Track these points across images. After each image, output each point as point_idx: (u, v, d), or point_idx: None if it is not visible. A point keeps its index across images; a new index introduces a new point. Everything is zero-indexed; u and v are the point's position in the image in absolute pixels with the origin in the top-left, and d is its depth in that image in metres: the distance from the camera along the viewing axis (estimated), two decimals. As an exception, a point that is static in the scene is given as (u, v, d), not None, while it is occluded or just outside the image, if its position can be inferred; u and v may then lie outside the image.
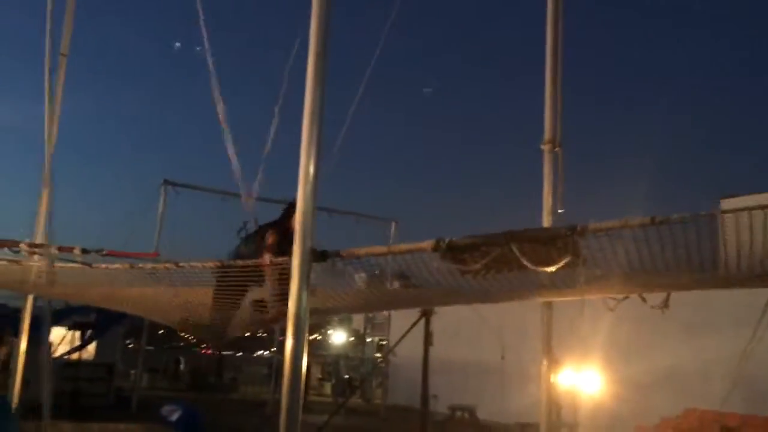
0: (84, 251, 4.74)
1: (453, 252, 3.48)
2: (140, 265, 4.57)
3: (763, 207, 3.21)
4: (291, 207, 4.47)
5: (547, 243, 3.37)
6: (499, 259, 3.49)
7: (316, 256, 3.47)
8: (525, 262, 3.26)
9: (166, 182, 15.18)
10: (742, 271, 3.87)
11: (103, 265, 4.67)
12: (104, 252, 4.72)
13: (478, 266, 3.57)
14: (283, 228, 4.87)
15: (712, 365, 11.31)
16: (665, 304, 4.49)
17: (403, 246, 3.70)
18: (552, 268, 3.33)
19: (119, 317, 15.84)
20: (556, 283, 4.12)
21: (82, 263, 4.74)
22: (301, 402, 3.19)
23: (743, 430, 12.05)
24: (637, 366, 12.80)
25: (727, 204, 14.44)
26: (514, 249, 3.27)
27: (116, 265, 4.64)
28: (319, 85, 3.49)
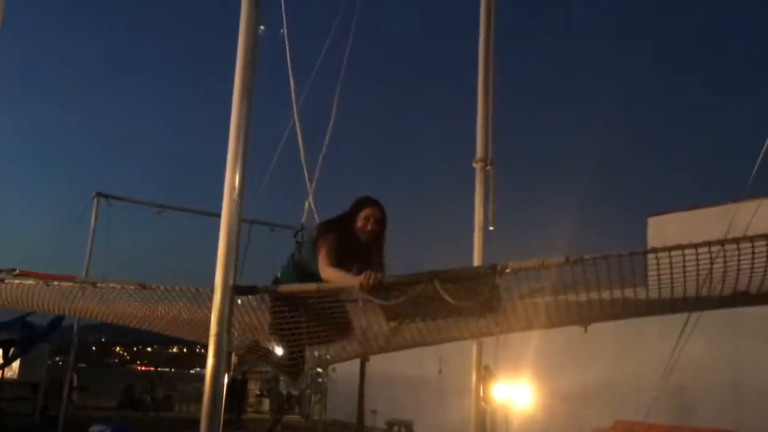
0: (-4, 270, 4.55)
1: (378, 290, 3.51)
2: (56, 284, 4.40)
3: (682, 247, 3.30)
4: (359, 202, 4.03)
5: (469, 280, 3.47)
6: (420, 298, 3.54)
7: (242, 289, 3.42)
8: (446, 297, 3.34)
9: (99, 195, 14.71)
10: (664, 298, 3.99)
11: (17, 282, 4.48)
12: (16, 272, 4.54)
13: (400, 301, 3.60)
14: (345, 229, 3.99)
15: (643, 376, 11.65)
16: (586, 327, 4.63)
17: (332, 285, 3.71)
18: (469, 303, 3.41)
19: (45, 333, 15.25)
20: (481, 327, 4.21)
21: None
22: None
23: (670, 440, 12.46)
24: (568, 378, 13.07)
25: (653, 222, 14.98)
26: (437, 285, 3.35)
27: (30, 282, 4.46)
28: (246, 97, 3.45)
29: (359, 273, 3.65)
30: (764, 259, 3.44)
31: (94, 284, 4.17)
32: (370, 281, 3.39)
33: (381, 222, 4.03)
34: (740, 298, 3.93)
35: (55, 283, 4.40)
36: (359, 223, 3.97)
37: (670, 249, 3.05)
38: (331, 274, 3.71)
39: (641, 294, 3.84)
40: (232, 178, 3.33)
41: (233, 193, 3.31)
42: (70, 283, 4.48)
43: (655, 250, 3.07)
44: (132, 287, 3.98)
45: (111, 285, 4.09)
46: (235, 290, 3.26)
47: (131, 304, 4.39)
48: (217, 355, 3.06)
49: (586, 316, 4.04)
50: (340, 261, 3.83)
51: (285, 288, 3.72)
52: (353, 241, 3.97)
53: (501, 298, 3.47)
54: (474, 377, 5.83)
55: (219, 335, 3.10)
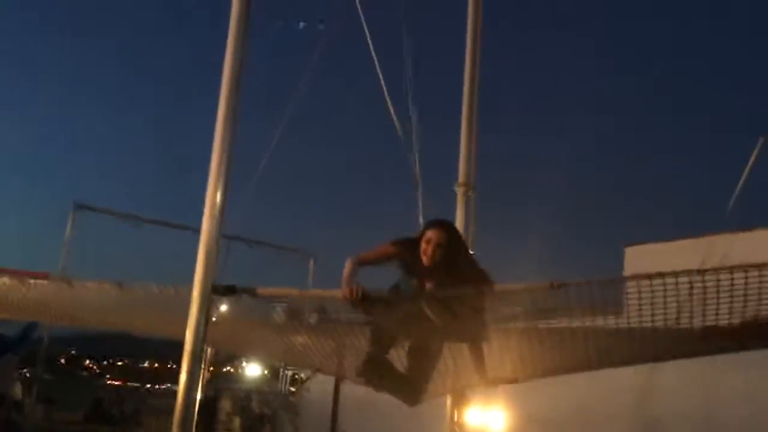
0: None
1: (364, 304, 3.50)
2: (31, 282, 4.33)
3: (663, 275, 3.35)
4: (426, 224, 3.83)
5: (454, 300, 3.48)
6: (408, 319, 3.54)
7: (223, 289, 3.40)
8: (431, 316, 3.35)
9: (77, 205, 14.55)
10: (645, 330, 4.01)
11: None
12: (-12, 268, 4.45)
13: (388, 321, 3.60)
14: (414, 250, 3.73)
15: (616, 404, 11.69)
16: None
17: (316, 291, 3.72)
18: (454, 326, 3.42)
19: (15, 345, 14.94)
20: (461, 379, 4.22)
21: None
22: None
23: (641, 470, 12.46)
24: (542, 404, 13.04)
25: (630, 252, 15.11)
26: (423, 306, 3.36)
27: (4, 279, 4.38)
28: (230, 116, 3.46)
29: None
30: (741, 292, 3.49)
31: (69, 282, 4.11)
32: (353, 294, 3.35)
33: (444, 246, 3.66)
34: (714, 335, 3.97)
35: (30, 281, 4.32)
36: (422, 247, 3.68)
37: (651, 276, 3.11)
38: (346, 265, 3.57)
39: (620, 322, 3.88)
40: (213, 195, 3.32)
41: (214, 209, 3.30)
42: (45, 281, 4.41)
43: (636, 277, 3.12)
44: (108, 286, 3.93)
45: (87, 284, 4.03)
46: (213, 290, 3.25)
47: (106, 306, 4.33)
48: (190, 371, 3.03)
49: (565, 361, 4.10)
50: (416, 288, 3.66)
51: (264, 291, 3.66)
52: (419, 264, 3.69)
53: (486, 326, 3.49)
54: (449, 402, 5.81)
55: (193, 350, 3.07)
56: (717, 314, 3.66)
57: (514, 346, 3.83)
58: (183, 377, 3.02)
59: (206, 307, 3.18)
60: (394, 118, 5.64)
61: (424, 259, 3.64)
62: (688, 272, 3.30)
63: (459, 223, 5.70)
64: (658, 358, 4.79)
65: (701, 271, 3.35)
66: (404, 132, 5.61)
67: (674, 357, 4.90)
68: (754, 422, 11.76)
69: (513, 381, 4.51)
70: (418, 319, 3.58)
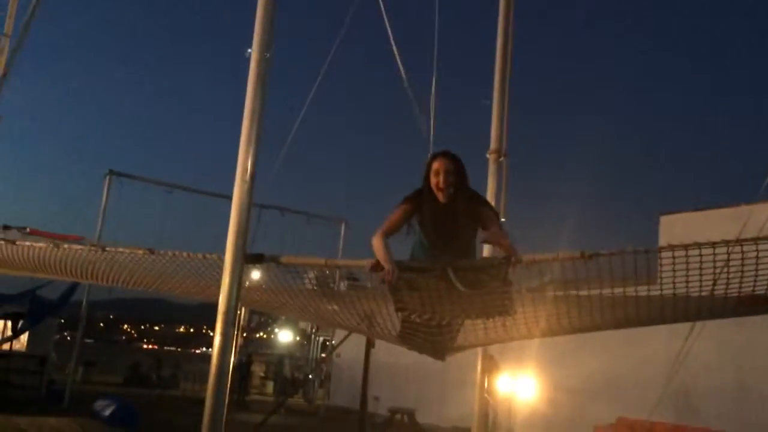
0: (5, 227, 4.60)
1: (399, 282, 3.43)
2: (65, 246, 4.43)
3: (698, 245, 3.25)
4: (428, 161, 3.49)
5: (480, 270, 3.37)
6: (432, 293, 3.48)
7: (251, 258, 3.41)
8: (458, 285, 3.29)
9: (111, 172, 14.85)
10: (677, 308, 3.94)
11: (27, 243, 4.51)
12: (27, 230, 4.57)
13: (412, 301, 3.54)
14: (429, 195, 3.45)
15: (647, 374, 11.64)
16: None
17: (341, 261, 3.72)
18: (480, 293, 3.35)
19: (54, 308, 15.38)
20: (490, 334, 4.17)
21: (4, 240, 4.57)
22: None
23: (672, 439, 12.44)
24: (572, 372, 13.06)
25: (665, 221, 14.89)
26: (450, 273, 3.30)
27: (40, 244, 4.49)
28: (260, 82, 3.45)
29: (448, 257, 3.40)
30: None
31: (103, 248, 4.19)
32: (388, 278, 3.24)
33: (455, 173, 3.42)
34: (749, 304, 3.89)
35: (65, 245, 4.42)
36: (433, 182, 3.41)
37: (687, 246, 3.00)
38: (374, 244, 3.39)
39: (652, 292, 3.82)
40: (244, 161, 3.34)
41: (245, 175, 3.32)
42: (80, 246, 4.50)
43: (672, 248, 3.02)
44: (140, 252, 4.00)
45: (120, 249, 4.11)
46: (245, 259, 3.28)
47: (140, 270, 4.41)
48: (224, 334, 3.08)
49: (596, 320, 4.00)
50: (434, 239, 3.46)
51: (288, 259, 3.65)
52: (441, 209, 3.44)
53: (513, 300, 3.45)
54: (479, 368, 5.83)
55: (227, 314, 3.11)
56: (755, 283, 3.57)
57: (541, 311, 3.77)
58: (217, 340, 3.07)
59: (239, 273, 3.21)
60: (411, 98, 5.58)
61: (440, 195, 3.40)
62: (725, 242, 3.20)
63: (491, 190, 5.66)
64: (689, 319, 4.72)
65: (739, 241, 3.25)
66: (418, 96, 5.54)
67: (706, 319, 4.81)
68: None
69: (536, 336, 4.42)
70: (445, 288, 3.52)
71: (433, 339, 4.06)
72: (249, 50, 3.46)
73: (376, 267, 3.31)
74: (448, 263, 3.34)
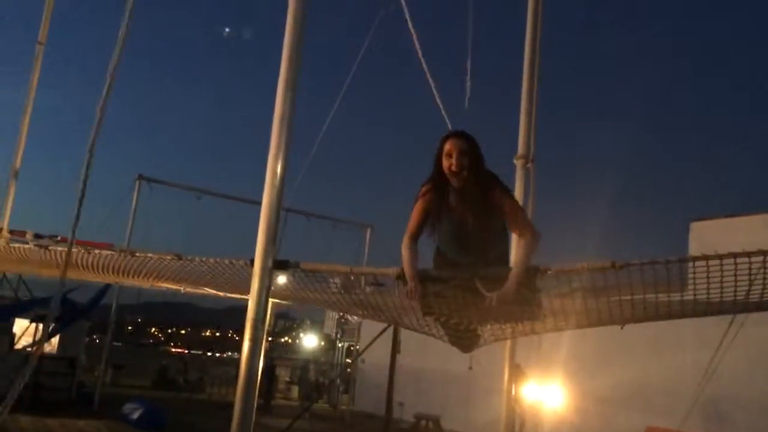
0: (37, 236, 4.71)
1: (424, 298, 3.35)
2: (96, 251, 4.52)
3: (733, 255, 3.19)
4: (442, 140, 3.19)
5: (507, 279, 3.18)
6: (458, 297, 3.42)
7: (276, 263, 3.40)
8: (483, 291, 3.20)
9: (141, 177, 15.09)
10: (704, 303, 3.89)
11: (59, 248, 4.60)
12: (58, 238, 4.67)
13: (439, 307, 3.49)
14: (444, 181, 3.19)
15: (677, 383, 11.46)
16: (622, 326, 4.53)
17: (365, 269, 3.71)
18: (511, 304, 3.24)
19: (84, 311, 15.63)
20: (518, 330, 4.12)
21: (37, 246, 4.69)
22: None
23: (702, 449, 12.21)
24: (601, 380, 12.91)
25: (696, 227, 14.65)
26: (477, 283, 3.21)
27: (62, 248, 4.58)
28: (290, 88, 3.47)
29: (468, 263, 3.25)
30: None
31: (132, 253, 4.26)
32: (410, 297, 3.15)
33: (468, 154, 3.11)
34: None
35: (96, 251, 4.50)
36: (445, 165, 3.13)
37: (722, 257, 2.92)
38: (403, 251, 3.22)
39: (685, 297, 3.77)
40: (274, 165, 3.35)
41: (275, 179, 3.33)
42: (110, 252, 4.59)
43: (706, 257, 2.94)
44: (168, 258, 4.05)
45: (149, 255, 4.17)
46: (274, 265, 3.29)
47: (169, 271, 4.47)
48: (253, 339, 3.09)
49: (626, 315, 3.92)
50: (448, 234, 3.23)
51: (313, 266, 3.64)
52: (453, 195, 3.19)
53: (541, 306, 3.40)
54: (506, 376, 5.78)
55: (256, 320, 3.13)
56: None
57: (571, 312, 3.72)
58: (246, 345, 3.09)
59: (268, 278, 3.23)
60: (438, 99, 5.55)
61: (453, 181, 3.12)
62: (762, 252, 3.12)
63: (518, 195, 5.62)
64: (723, 313, 4.65)
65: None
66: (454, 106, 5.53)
67: (742, 312, 4.72)
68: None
69: (563, 329, 4.30)
70: (472, 296, 3.47)
71: (460, 336, 4.03)
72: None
73: (403, 275, 3.22)
74: (474, 273, 3.26)
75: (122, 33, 3.73)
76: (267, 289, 3.22)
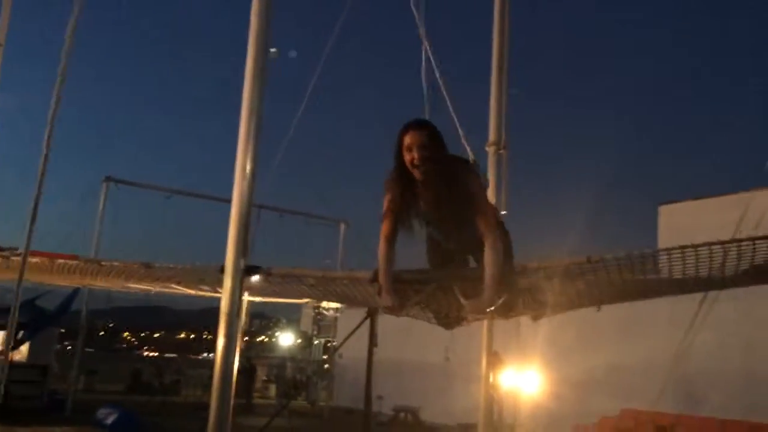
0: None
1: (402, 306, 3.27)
2: (59, 261, 4.39)
3: (694, 246, 3.25)
4: (401, 132, 3.02)
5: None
6: (434, 296, 3.37)
7: (248, 269, 3.31)
8: (462, 301, 3.13)
9: (108, 179, 14.79)
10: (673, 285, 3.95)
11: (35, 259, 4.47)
12: (18, 251, 4.51)
13: (412, 302, 3.44)
14: (405, 172, 3.03)
15: (650, 365, 11.62)
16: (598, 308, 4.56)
17: (340, 273, 3.64)
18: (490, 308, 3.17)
19: (53, 317, 15.31)
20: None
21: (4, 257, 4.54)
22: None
23: (676, 430, 12.41)
24: (576, 366, 13.05)
25: (664, 210, 14.90)
26: (456, 290, 3.14)
27: (35, 260, 4.45)
28: (258, 79, 3.39)
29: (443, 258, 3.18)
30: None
31: (99, 263, 4.14)
32: (383, 299, 3.02)
33: (428, 146, 2.96)
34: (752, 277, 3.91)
35: (59, 261, 4.38)
36: (407, 159, 2.98)
37: (696, 246, 2.96)
38: (378, 254, 3.09)
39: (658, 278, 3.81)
40: (243, 157, 3.28)
41: (245, 172, 3.26)
42: (76, 262, 4.46)
43: (683, 248, 2.98)
44: (136, 266, 3.95)
45: (115, 263, 4.06)
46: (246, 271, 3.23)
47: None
48: (227, 336, 3.02)
49: (604, 295, 3.94)
50: (426, 225, 3.09)
51: (283, 270, 3.57)
52: (417, 187, 3.05)
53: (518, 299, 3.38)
54: (484, 364, 5.79)
55: (230, 315, 3.06)
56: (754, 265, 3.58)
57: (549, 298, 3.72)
58: (220, 342, 3.02)
59: (240, 273, 3.16)
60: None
61: (415, 173, 2.98)
62: (729, 241, 3.19)
63: (491, 183, 5.61)
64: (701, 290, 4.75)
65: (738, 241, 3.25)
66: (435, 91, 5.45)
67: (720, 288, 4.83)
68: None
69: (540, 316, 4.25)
70: (449, 300, 3.41)
71: (442, 318, 3.97)
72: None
73: (376, 278, 3.09)
74: (449, 277, 3.17)
75: (71, 26, 3.61)
76: (240, 283, 3.15)
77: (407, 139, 2.97)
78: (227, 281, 3.18)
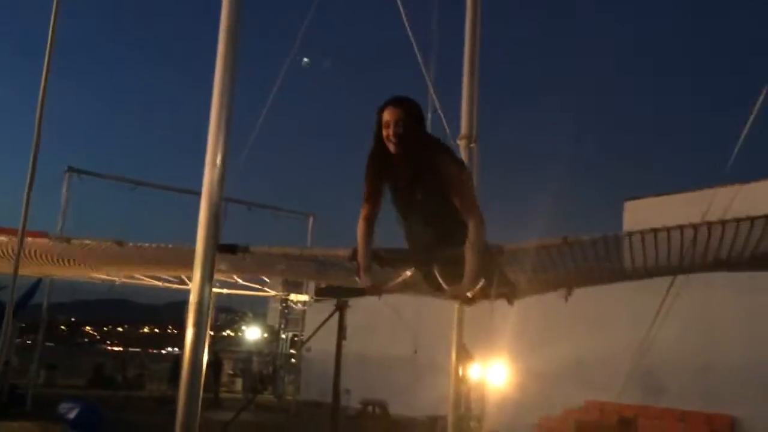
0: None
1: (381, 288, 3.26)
2: (29, 240, 4.28)
3: (656, 230, 3.36)
4: (380, 109, 2.98)
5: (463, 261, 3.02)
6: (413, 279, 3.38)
7: (224, 247, 3.30)
8: (444, 285, 3.13)
9: (71, 169, 14.46)
10: (640, 269, 4.05)
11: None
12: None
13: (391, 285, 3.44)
14: (379, 153, 3.00)
15: (614, 358, 11.83)
16: (569, 292, 4.61)
17: (318, 250, 3.62)
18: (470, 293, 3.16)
19: (12, 311, 14.94)
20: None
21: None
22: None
23: (639, 420, 12.69)
24: (542, 358, 13.23)
25: (630, 206, 15.16)
26: (436, 272, 3.13)
27: (2, 238, 4.34)
28: (229, 68, 3.34)
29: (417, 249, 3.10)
30: (743, 237, 3.51)
31: (68, 240, 4.05)
32: (361, 278, 3.02)
33: (404, 121, 2.91)
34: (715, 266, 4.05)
35: (29, 239, 4.27)
36: (384, 135, 2.95)
37: (669, 229, 3.08)
38: (358, 230, 3.07)
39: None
40: (214, 144, 3.23)
41: (215, 159, 3.21)
42: (45, 239, 4.36)
43: (655, 231, 3.09)
44: (108, 244, 3.88)
45: (86, 241, 3.97)
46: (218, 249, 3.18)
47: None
48: (197, 325, 2.98)
49: (574, 278, 4.02)
50: (401, 207, 3.05)
51: (262, 249, 3.54)
52: (393, 162, 3.00)
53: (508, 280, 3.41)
54: (453, 357, 5.82)
55: (200, 304, 3.01)
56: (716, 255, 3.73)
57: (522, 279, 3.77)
58: (189, 332, 2.97)
59: (210, 261, 3.11)
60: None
61: (391, 147, 2.93)
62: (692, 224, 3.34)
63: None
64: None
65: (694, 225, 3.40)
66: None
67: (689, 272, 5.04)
68: (752, 367, 11.98)
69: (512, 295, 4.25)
70: (429, 283, 3.40)
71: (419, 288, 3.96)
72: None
73: (355, 256, 3.09)
74: (430, 259, 3.15)
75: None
76: (210, 272, 3.11)
77: (385, 116, 2.93)
78: (197, 271, 3.13)
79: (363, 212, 3.07)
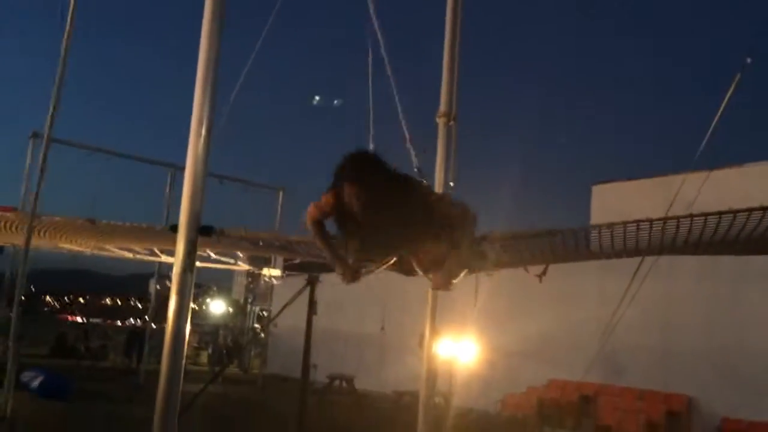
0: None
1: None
2: None
3: (624, 223, 3.47)
4: (336, 175, 2.82)
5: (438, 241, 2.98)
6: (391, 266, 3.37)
7: (200, 230, 3.24)
8: (418, 270, 3.11)
9: (35, 135, 14.03)
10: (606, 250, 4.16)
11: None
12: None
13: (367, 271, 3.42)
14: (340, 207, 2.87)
15: (579, 338, 12.11)
16: (544, 272, 4.71)
17: (293, 237, 3.61)
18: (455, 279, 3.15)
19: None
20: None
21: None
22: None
23: (599, 399, 13.04)
24: (510, 336, 13.45)
25: (597, 190, 15.39)
26: (414, 264, 3.12)
27: None
28: (215, 36, 3.29)
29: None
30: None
31: (38, 217, 3.97)
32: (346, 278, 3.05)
33: (366, 195, 2.75)
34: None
35: None
36: (347, 202, 2.83)
37: (653, 221, 3.18)
38: (313, 235, 3.05)
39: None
40: (200, 110, 3.17)
41: (201, 128, 3.17)
42: (11, 214, 4.27)
43: (637, 222, 3.20)
44: (80, 222, 3.81)
45: (57, 219, 3.90)
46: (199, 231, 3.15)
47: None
48: (179, 293, 2.96)
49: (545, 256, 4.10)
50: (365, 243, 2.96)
51: (237, 232, 3.54)
52: (349, 217, 2.91)
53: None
54: (427, 333, 5.89)
55: (183, 273, 2.99)
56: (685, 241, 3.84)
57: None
58: (173, 301, 2.95)
59: (195, 235, 3.08)
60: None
61: (356, 214, 2.83)
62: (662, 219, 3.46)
63: (440, 154, 5.65)
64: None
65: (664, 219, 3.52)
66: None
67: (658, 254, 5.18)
68: (709, 350, 12.38)
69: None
70: (408, 267, 3.39)
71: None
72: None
73: (357, 275, 3.11)
74: (409, 249, 3.08)
75: None
76: (194, 240, 3.09)
77: (347, 190, 2.77)
78: (180, 242, 3.11)
79: (316, 216, 2.98)
